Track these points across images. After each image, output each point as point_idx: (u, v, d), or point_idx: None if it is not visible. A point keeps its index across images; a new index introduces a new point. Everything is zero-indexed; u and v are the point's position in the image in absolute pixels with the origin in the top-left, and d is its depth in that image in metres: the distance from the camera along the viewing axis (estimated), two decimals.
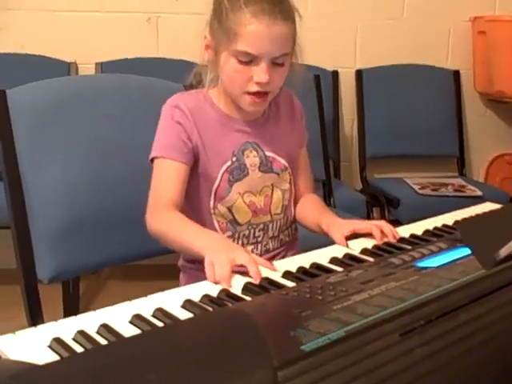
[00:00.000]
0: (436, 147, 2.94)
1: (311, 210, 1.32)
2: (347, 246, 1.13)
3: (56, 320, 0.80)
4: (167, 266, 1.77)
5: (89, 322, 0.78)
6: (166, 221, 1.17)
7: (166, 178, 1.21)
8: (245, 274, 0.96)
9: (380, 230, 1.15)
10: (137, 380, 0.58)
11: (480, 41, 2.87)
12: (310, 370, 0.59)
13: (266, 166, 1.28)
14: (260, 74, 1.15)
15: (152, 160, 1.24)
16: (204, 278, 0.97)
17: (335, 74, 2.86)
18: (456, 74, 2.97)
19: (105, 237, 1.34)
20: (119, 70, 2.45)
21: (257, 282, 0.94)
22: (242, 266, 0.97)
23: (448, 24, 2.93)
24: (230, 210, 1.25)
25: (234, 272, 0.96)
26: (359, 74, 2.88)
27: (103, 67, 2.60)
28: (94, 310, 0.82)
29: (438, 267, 0.90)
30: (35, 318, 1.25)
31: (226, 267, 0.95)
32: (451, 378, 0.65)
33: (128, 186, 1.37)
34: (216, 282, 0.95)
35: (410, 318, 0.69)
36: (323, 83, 2.62)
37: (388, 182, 2.82)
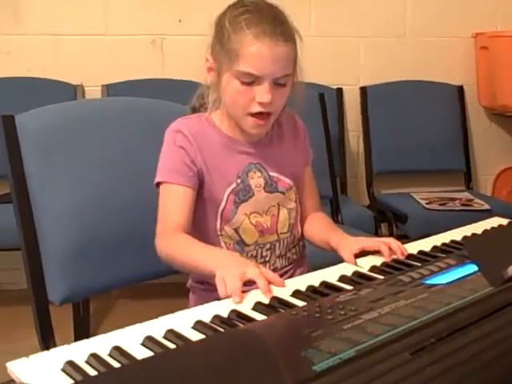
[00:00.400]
0: (442, 162, 2.95)
1: (319, 228, 1.33)
2: (356, 263, 1.14)
3: (67, 341, 0.81)
4: (176, 284, 1.77)
5: (101, 344, 0.78)
6: (175, 244, 1.17)
7: (173, 203, 1.22)
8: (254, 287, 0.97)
9: (388, 247, 1.15)
10: None
11: (483, 56, 2.88)
12: None
13: (270, 186, 1.28)
14: (262, 94, 1.16)
15: (157, 185, 1.25)
16: (213, 299, 0.97)
17: (339, 91, 2.88)
18: (460, 90, 2.99)
19: (114, 258, 1.35)
20: (125, 91, 2.49)
21: (266, 296, 0.95)
22: (251, 280, 0.98)
23: (451, 40, 2.95)
24: (236, 231, 1.26)
25: (245, 286, 0.97)
26: (363, 90, 2.90)
27: (109, 89, 2.63)
28: (105, 329, 0.83)
29: (447, 284, 0.90)
30: (47, 339, 1.25)
31: (237, 280, 0.96)
32: None
33: (136, 207, 1.38)
34: (228, 297, 0.95)
35: (420, 337, 0.70)
36: (328, 101, 2.64)
37: (395, 197, 2.83)
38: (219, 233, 1.26)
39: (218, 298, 0.97)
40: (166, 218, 1.22)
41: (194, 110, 1.35)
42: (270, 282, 0.98)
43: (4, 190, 2.35)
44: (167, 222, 1.21)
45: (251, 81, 1.16)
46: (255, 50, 1.14)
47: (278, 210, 1.29)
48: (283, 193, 1.30)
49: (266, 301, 0.93)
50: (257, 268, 1.00)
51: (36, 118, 1.34)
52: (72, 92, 2.63)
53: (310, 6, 2.81)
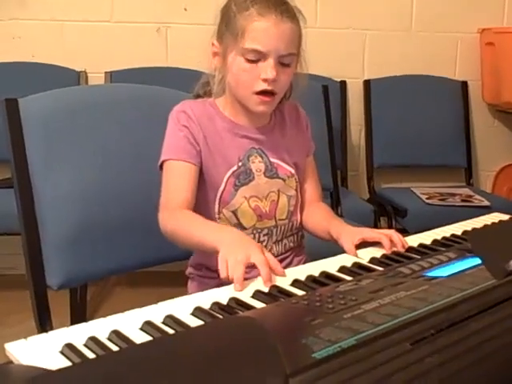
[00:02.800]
0: (444, 157, 2.94)
1: (320, 218, 1.33)
2: (356, 254, 1.14)
3: (64, 325, 0.81)
4: (173, 273, 1.78)
5: (100, 328, 0.78)
6: (179, 219, 1.18)
7: (177, 179, 1.22)
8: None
9: (389, 239, 1.15)
10: None
11: (488, 52, 2.87)
12: (321, 378, 0.59)
13: (271, 172, 1.29)
14: (267, 70, 1.17)
15: (161, 166, 1.25)
16: (212, 286, 0.97)
17: (343, 84, 2.87)
18: (464, 85, 2.98)
19: (114, 245, 1.35)
20: (128, 79, 2.48)
21: (266, 285, 0.94)
22: (254, 266, 0.97)
23: (456, 35, 2.94)
24: (235, 213, 1.26)
25: (246, 274, 0.96)
26: (367, 84, 2.89)
27: (113, 76, 2.62)
28: (101, 316, 0.83)
29: (447, 277, 0.90)
30: (44, 323, 1.26)
31: (240, 266, 0.95)
32: None
33: (137, 194, 1.38)
34: (226, 278, 0.95)
35: (420, 328, 0.69)
36: (331, 93, 2.63)
37: (395, 191, 2.83)
38: (217, 216, 1.26)
39: (217, 285, 0.97)
40: (169, 193, 1.22)
41: (198, 98, 1.35)
42: (271, 270, 0.98)
43: (5, 174, 2.35)
44: (171, 197, 1.21)
45: (256, 58, 1.18)
46: (261, 26, 1.16)
47: (278, 196, 1.29)
48: (284, 179, 1.30)
49: (266, 289, 0.93)
50: (261, 254, 0.99)
51: (40, 102, 1.34)
52: (75, 78, 2.62)
53: None
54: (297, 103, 1.38)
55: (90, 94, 1.48)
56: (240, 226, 1.27)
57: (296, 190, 1.33)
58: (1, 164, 2.26)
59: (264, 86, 1.19)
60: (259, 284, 0.95)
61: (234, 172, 1.26)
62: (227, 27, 1.21)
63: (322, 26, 2.80)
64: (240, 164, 1.26)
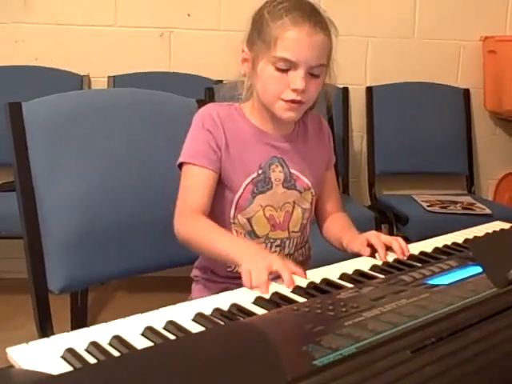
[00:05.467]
0: (445, 165, 2.95)
1: (335, 229, 1.35)
2: (369, 253, 1.16)
3: (64, 330, 0.81)
4: (174, 278, 1.77)
5: (101, 333, 0.78)
6: (196, 227, 1.18)
7: (194, 185, 1.23)
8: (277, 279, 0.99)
9: (385, 249, 1.16)
10: None
11: (490, 60, 2.88)
12: None
13: (289, 183, 1.29)
14: (297, 80, 1.17)
15: (180, 166, 1.25)
16: (216, 290, 0.98)
17: (345, 90, 2.87)
18: (466, 93, 2.98)
19: (116, 249, 1.35)
20: (132, 83, 2.46)
21: (290, 288, 0.97)
22: (277, 272, 1.00)
23: (459, 43, 2.95)
24: (249, 221, 1.27)
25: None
26: (369, 91, 2.90)
27: (116, 81, 2.63)
28: (101, 321, 0.83)
29: (448, 285, 0.90)
30: (45, 327, 1.25)
31: (264, 273, 0.98)
32: None
33: (140, 199, 1.38)
34: (252, 288, 0.97)
35: (421, 336, 0.69)
36: (333, 99, 2.63)
37: (397, 198, 2.82)
38: (232, 221, 1.27)
39: (221, 290, 0.97)
40: (185, 199, 1.22)
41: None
42: (293, 273, 1.00)
43: (7, 177, 2.36)
44: (187, 204, 1.21)
45: (287, 68, 1.18)
46: (293, 36, 1.16)
47: (293, 207, 1.30)
48: (300, 192, 1.30)
49: (267, 296, 0.94)
50: (281, 261, 1.02)
51: (43, 106, 1.34)
52: (78, 82, 2.63)
53: (320, 5, 2.80)
54: (320, 115, 1.38)
55: (94, 99, 1.48)
56: (253, 233, 1.27)
57: (311, 203, 1.33)
58: (3, 167, 2.27)
59: (293, 96, 1.18)
60: (275, 288, 0.96)
61: (253, 179, 1.26)
62: (259, 35, 1.21)
63: None
64: (260, 172, 1.26)
